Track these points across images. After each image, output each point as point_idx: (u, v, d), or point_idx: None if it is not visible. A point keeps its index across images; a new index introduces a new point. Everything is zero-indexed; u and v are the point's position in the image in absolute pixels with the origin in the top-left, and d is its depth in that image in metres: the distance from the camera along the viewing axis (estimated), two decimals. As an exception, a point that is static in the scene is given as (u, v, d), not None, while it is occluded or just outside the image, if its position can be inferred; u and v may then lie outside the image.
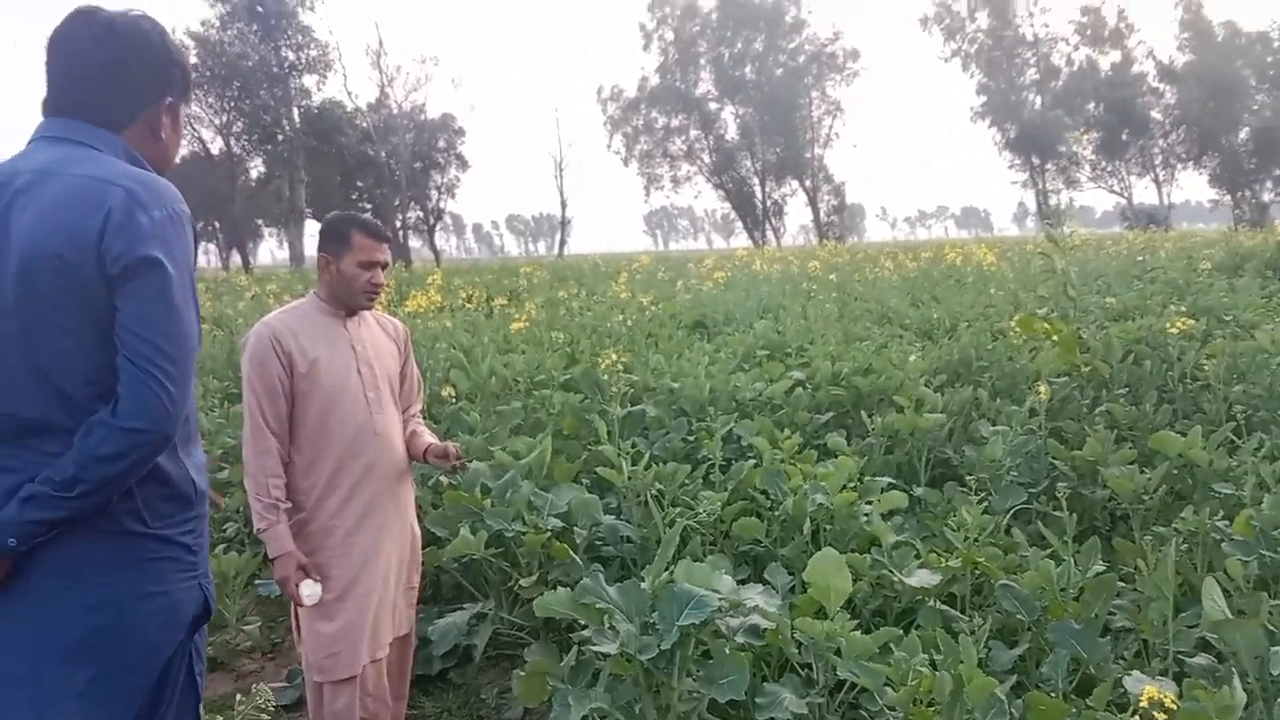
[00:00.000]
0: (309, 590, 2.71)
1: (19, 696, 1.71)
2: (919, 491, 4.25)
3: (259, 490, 2.78)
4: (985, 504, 3.73)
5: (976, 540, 3.31)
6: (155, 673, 1.82)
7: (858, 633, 2.68)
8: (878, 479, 4.11)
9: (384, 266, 3.02)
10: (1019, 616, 2.97)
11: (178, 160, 2.06)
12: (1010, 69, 51.09)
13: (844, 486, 3.76)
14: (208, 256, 54.25)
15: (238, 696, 2.94)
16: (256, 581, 4.69)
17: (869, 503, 3.73)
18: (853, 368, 5.69)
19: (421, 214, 49.03)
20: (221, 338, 9.97)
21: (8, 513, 1.66)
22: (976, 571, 3.27)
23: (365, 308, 3.03)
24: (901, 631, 2.74)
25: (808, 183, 52.99)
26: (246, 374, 2.85)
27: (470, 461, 3.40)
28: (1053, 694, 2.64)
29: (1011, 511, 3.84)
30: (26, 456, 1.70)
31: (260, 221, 49.47)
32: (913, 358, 5.70)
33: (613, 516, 3.99)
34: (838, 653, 2.65)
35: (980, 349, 6.07)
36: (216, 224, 48.52)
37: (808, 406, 5.22)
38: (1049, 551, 3.24)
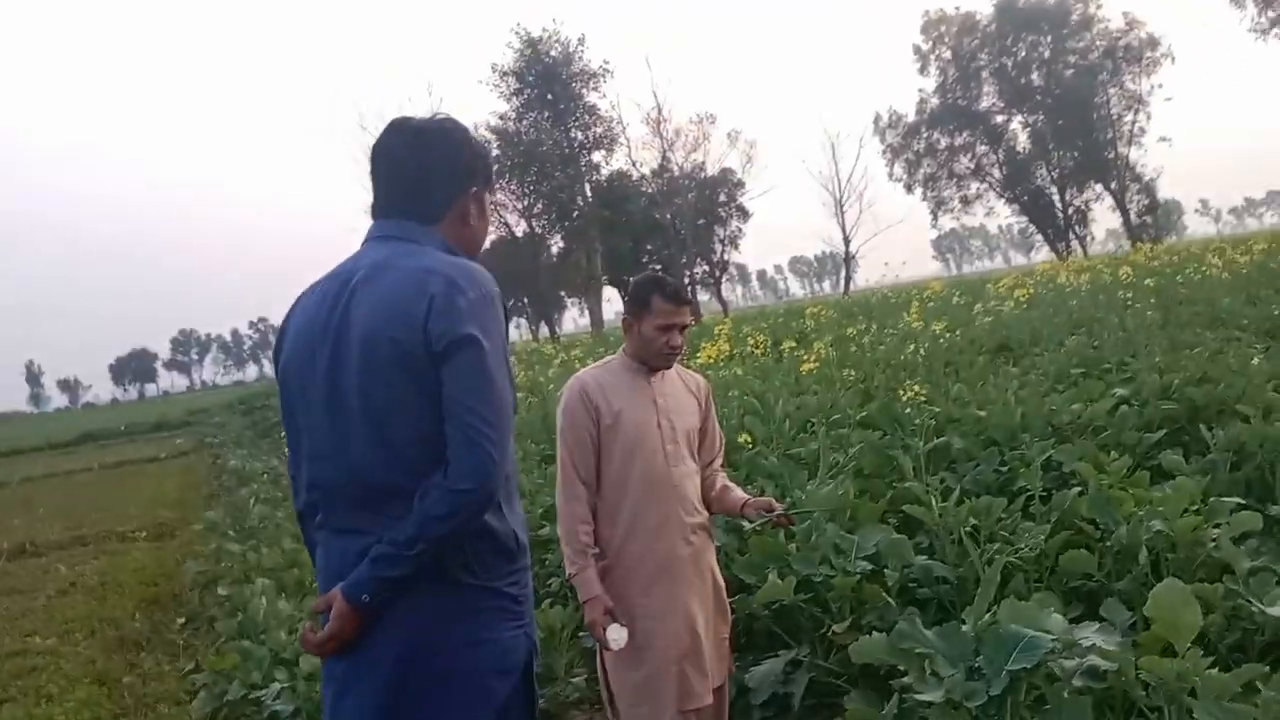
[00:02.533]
0: (615, 634, 2.78)
1: None
2: (1275, 510, 3.75)
3: (569, 537, 2.94)
4: (1363, 521, 3.25)
5: (1356, 563, 2.87)
6: (492, 715, 1.95)
7: (1214, 670, 2.40)
8: (1225, 499, 3.67)
9: (683, 329, 3.08)
10: None
11: (488, 244, 2.26)
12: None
13: (1186, 510, 3.40)
14: (519, 330, 58.36)
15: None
16: (580, 634, 4.91)
17: (1217, 526, 3.35)
18: (1185, 378, 5.16)
19: (707, 268, 50.16)
20: (535, 404, 10.65)
21: (361, 571, 1.87)
22: (1359, 599, 2.84)
23: (664, 367, 3.11)
24: (1267, 669, 2.42)
25: (1113, 185, 49.00)
26: (560, 425, 3.04)
27: (794, 517, 3.31)
28: None
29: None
30: (376, 519, 1.91)
31: (563, 293, 52.67)
32: (1255, 360, 5.09)
33: (925, 557, 3.84)
34: (1192, 693, 2.38)
35: (1341, 345, 5.32)
36: (525, 300, 52.18)
37: (1136, 425, 4.78)
38: None
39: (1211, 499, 3.63)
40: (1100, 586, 3.39)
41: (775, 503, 3.13)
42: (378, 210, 2.11)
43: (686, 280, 46.32)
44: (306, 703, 4.10)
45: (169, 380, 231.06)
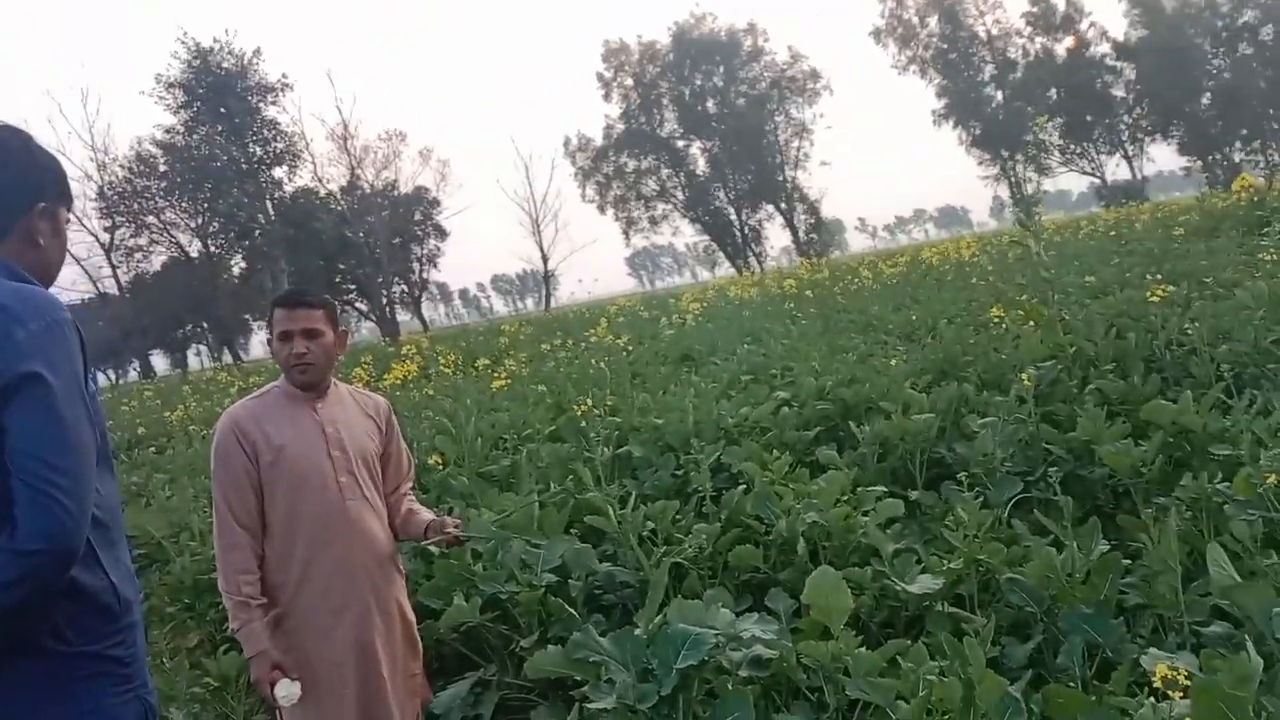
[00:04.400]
0: (284, 690, 2.58)
1: None
2: (915, 495, 4.16)
3: (229, 588, 2.67)
4: (982, 499, 3.65)
5: (977, 537, 3.22)
6: None
7: (864, 649, 2.60)
8: (872, 489, 4.02)
9: (308, 335, 2.82)
10: (1028, 609, 2.89)
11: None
12: (967, 68, 51.50)
13: (838, 501, 3.68)
14: (200, 357, 54.12)
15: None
16: (258, 680, 4.57)
17: (865, 514, 3.65)
18: (837, 380, 5.62)
19: (405, 287, 49.10)
20: (210, 436, 9.85)
21: None
22: (982, 569, 3.19)
23: (301, 385, 2.87)
24: (909, 642, 2.65)
25: (783, 205, 53.21)
26: (213, 468, 2.77)
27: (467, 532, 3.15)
28: (1071, 683, 2.55)
29: (1010, 503, 3.76)
30: None
31: (247, 316, 49.47)
32: (893, 361, 5.64)
33: (609, 564, 3.90)
34: (846, 672, 2.56)
35: (963, 344, 6.01)
36: (205, 325, 48.53)
37: (796, 425, 5.14)
38: (1051, 539, 3.16)
39: (860, 489, 3.97)
40: (768, 578, 3.58)
41: (451, 521, 3.00)
42: None
43: (385, 300, 45.10)
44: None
45: None
